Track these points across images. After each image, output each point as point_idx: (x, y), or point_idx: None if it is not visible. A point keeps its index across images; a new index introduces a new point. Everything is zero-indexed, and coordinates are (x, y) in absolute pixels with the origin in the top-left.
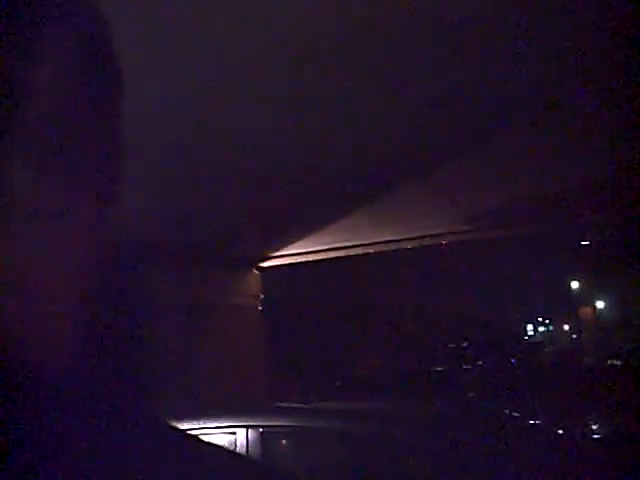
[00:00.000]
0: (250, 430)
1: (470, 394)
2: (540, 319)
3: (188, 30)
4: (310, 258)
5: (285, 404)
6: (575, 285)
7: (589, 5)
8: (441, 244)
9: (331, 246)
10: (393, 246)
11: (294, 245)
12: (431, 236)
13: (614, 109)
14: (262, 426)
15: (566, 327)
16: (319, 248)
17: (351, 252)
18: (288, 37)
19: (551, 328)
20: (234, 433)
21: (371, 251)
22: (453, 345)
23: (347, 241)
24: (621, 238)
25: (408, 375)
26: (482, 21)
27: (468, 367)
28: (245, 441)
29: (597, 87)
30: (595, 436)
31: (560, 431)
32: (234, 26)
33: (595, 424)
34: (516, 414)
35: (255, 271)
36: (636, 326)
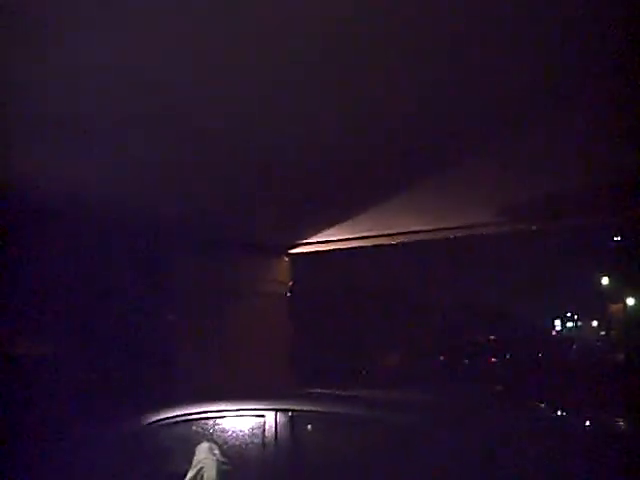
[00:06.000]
0: (279, 414)
1: (498, 387)
2: (568, 315)
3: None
4: (339, 246)
5: (314, 390)
6: (605, 281)
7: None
8: (453, 237)
9: (361, 235)
10: (423, 236)
11: (324, 233)
12: (461, 228)
13: None
14: (291, 410)
15: (594, 323)
16: (349, 236)
17: (380, 241)
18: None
19: (579, 324)
20: (263, 416)
21: (400, 241)
22: (481, 338)
23: (377, 230)
24: None
25: (435, 367)
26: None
27: (495, 361)
28: (274, 424)
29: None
30: (621, 431)
31: (587, 423)
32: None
33: (622, 420)
34: (542, 406)
35: (284, 258)
36: None
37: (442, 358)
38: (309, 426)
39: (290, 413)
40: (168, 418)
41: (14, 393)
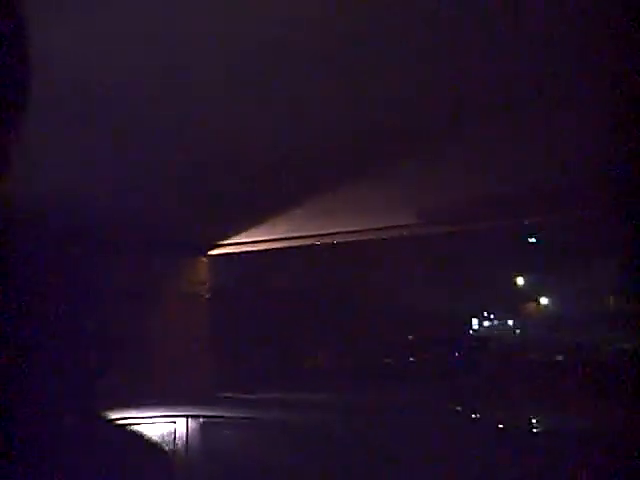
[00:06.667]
0: (190, 420)
1: (415, 386)
2: (485, 314)
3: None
4: (260, 247)
5: (228, 394)
6: (520, 281)
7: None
8: (372, 239)
9: (281, 236)
10: (342, 238)
11: (244, 234)
12: (378, 229)
13: (571, 111)
14: (203, 416)
15: (510, 322)
16: (269, 238)
17: (300, 243)
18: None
19: (496, 323)
20: (174, 422)
21: (320, 242)
22: (400, 338)
23: (298, 232)
24: (568, 237)
25: (355, 367)
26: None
27: (413, 360)
28: (185, 431)
29: (552, 92)
30: (537, 430)
31: (501, 425)
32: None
33: (538, 418)
34: (459, 408)
35: (203, 258)
36: (578, 323)
37: (362, 359)
38: (225, 432)
39: (202, 419)
40: None
41: None
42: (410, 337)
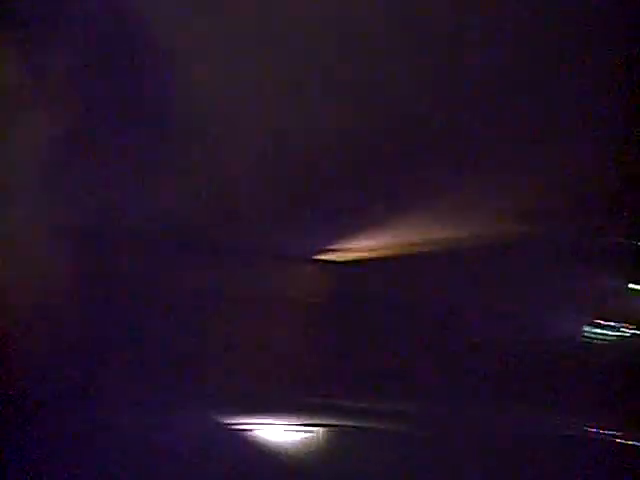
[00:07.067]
0: (303, 428)
1: (520, 394)
2: (596, 320)
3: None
4: (368, 255)
5: (340, 402)
6: (633, 285)
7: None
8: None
9: (389, 242)
10: (450, 245)
11: (355, 240)
12: (489, 235)
13: None
14: (315, 425)
15: (622, 327)
16: (376, 244)
17: (410, 250)
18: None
19: (607, 330)
20: (287, 431)
21: (426, 249)
22: (510, 347)
23: (407, 237)
24: None
25: (457, 374)
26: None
27: (517, 367)
28: (297, 439)
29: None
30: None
31: (621, 440)
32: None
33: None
34: (564, 418)
35: (312, 264)
36: None
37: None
38: (337, 441)
39: (314, 427)
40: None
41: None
42: (518, 345)
